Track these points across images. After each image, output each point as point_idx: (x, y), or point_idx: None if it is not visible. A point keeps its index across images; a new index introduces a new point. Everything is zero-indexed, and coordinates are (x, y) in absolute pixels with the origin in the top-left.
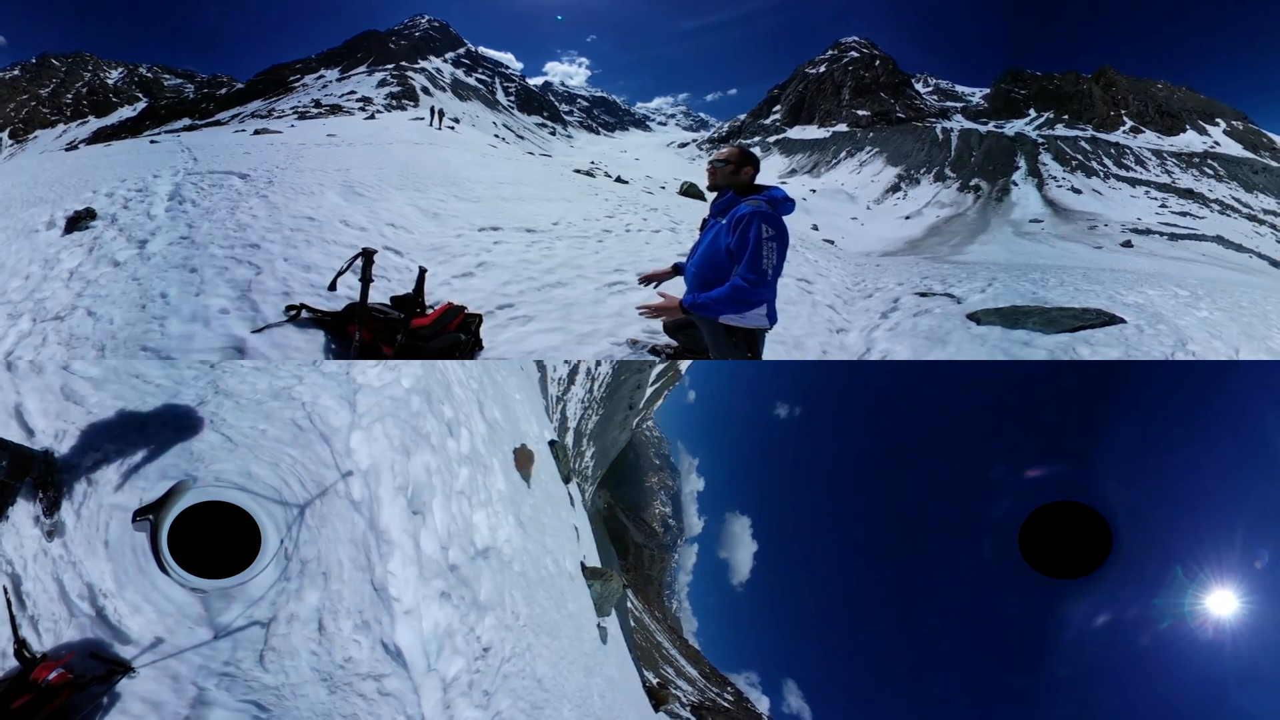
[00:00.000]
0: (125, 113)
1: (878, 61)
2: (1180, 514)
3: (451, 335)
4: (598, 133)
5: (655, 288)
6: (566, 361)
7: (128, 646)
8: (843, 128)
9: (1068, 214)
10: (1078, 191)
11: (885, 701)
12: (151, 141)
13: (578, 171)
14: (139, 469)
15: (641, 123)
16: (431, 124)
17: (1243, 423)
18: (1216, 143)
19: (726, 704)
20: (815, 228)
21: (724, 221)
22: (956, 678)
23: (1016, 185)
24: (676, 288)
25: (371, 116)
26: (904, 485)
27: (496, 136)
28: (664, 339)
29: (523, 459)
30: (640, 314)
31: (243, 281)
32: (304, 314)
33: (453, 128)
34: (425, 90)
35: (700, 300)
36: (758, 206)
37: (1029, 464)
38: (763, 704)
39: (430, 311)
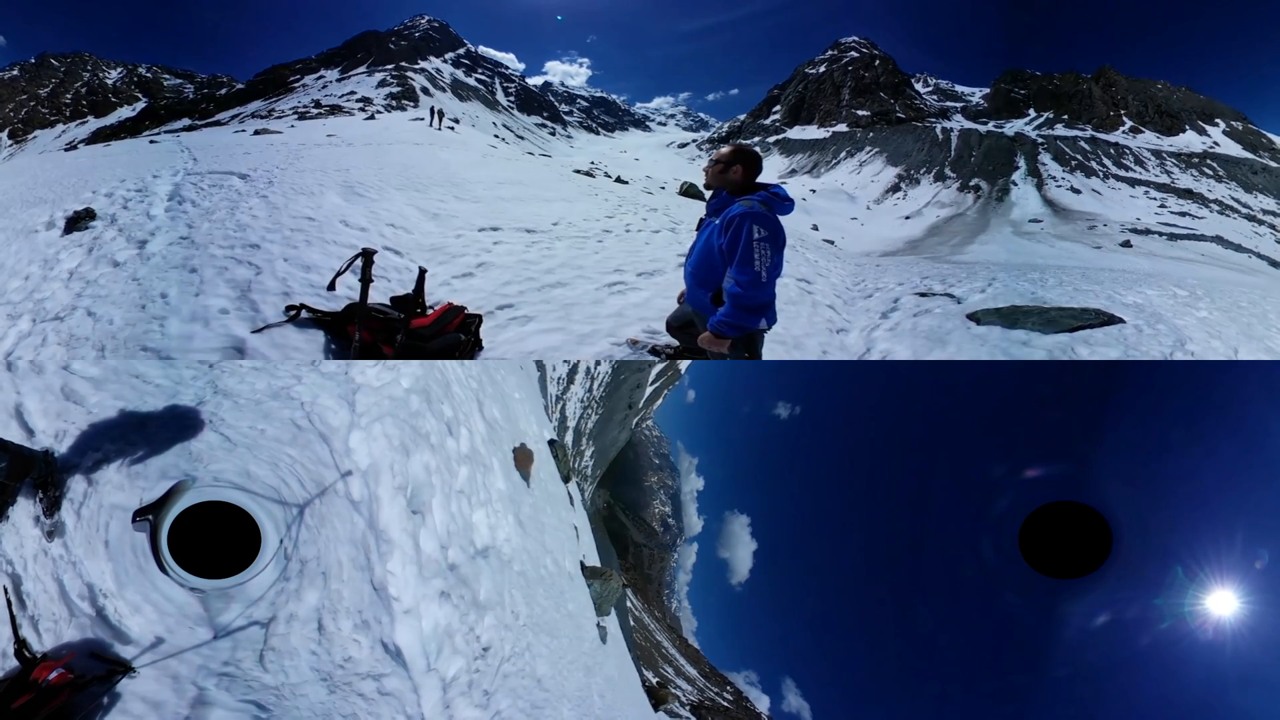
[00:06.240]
0: (124, 113)
1: (877, 61)
2: (1180, 514)
3: (451, 335)
4: (597, 133)
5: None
6: (566, 361)
7: (128, 646)
8: (843, 128)
9: (1067, 214)
10: (1077, 191)
11: (884, 700)
12: (151, 142)
13: (577, 172)
14: (139, 469)
15: (641, 123)
16: (431, 124)
17: (1242, 423)
18: (1216, 143)
19: (726, 703)
20: (815, 228)
21: (718, 221)
22: (956, 677)
23: (1016, 185)
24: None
25: (371, 117)
26: (904, 485)
27: (496, 137)
28: (664, 339)
29: (522, 458)
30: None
31: (243, 281)
32: (304, 314)
33: (452, 128)
34: (425, 90)
35: (713, 324)
36: (750, 207)
37: (1029, 464)
38: (762, 703)
39: (430, 311)
